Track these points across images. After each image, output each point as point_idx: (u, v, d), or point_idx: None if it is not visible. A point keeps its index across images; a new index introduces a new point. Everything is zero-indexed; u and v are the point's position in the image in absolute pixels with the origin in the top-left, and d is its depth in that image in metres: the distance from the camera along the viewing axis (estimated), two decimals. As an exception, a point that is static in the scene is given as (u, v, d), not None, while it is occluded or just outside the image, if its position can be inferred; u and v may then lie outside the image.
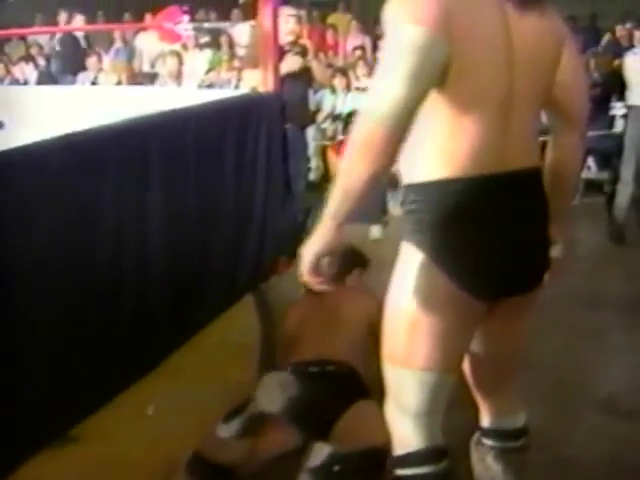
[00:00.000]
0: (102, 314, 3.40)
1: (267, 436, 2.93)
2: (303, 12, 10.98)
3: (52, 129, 3.37)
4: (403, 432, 2.25)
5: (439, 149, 2.05)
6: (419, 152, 2.07)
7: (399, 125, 1.88)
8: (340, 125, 7.85)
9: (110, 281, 3.46)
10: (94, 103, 4.76)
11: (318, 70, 6.35)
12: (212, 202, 4.33)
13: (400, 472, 2.25)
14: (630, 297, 4.76)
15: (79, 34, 10.88)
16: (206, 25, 9.83)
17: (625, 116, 6.60)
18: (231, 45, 10.34)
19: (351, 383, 3.09)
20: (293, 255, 5.15)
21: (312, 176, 7.50)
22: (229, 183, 4.51)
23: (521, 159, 2.10)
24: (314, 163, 7.69)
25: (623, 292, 4.91)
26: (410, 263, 2.11)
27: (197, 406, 3.33)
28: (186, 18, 6.08)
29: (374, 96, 1.91)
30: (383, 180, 6.90)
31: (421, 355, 2.15)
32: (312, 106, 7.90)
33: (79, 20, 10.61)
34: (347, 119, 7.45)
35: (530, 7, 2.09)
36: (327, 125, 7.98)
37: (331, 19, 12.79)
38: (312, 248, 1.97)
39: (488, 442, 2.45)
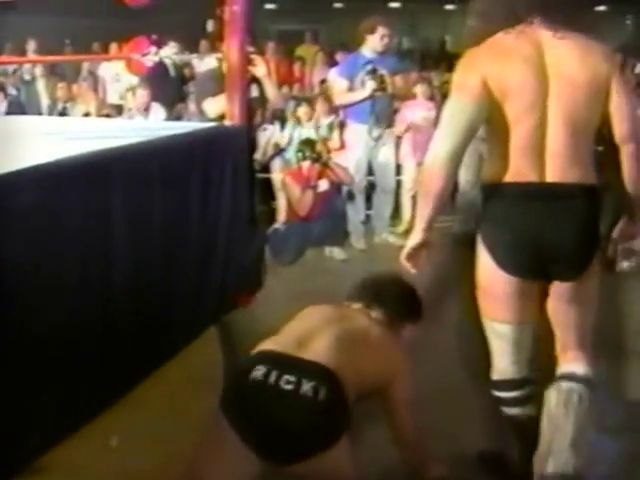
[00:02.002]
0: (67, 345, 3.41)
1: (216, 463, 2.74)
2: (272, 44, 11.08)
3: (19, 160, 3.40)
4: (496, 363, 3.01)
5: (492, 160, 2.85)
6: (486, 161, 2.96)
7: (445, 167, 2.71)
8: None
9: (74, 313, 3.47)
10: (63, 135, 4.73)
11: (269, 85, 5.73)
12: (177, 234, 4.36)
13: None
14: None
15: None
16: (173, 57, 9.78)
17: None
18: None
19: (332, 414, 2.69)
20: (256, 288, 5.20)
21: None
22: (194, 215, 4.54)
23: (561, 174, 2.71)
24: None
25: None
26: (478, 244, 2.88)
27: (161, 439, 3.37)
28: (154, 49, 6.10)
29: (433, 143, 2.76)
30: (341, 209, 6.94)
31: (489, 310, 2.93)
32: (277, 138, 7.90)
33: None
34: (300, 147, 7.15)
35: (561, 25, 2.73)
36: (291, 156, 7.90)
37: (299, 50, 12.90)
38: (408, 243, 2.83)
39: (554, 383, 2.93)
